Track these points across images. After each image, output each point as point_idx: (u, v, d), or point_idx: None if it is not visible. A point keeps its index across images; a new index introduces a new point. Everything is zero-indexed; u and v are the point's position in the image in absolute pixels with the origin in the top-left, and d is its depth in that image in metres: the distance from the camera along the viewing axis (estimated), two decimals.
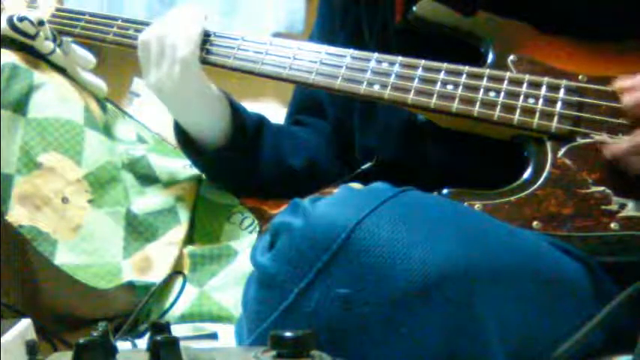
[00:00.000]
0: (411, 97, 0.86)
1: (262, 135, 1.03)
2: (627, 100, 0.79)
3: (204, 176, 1.08)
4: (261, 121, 1.04)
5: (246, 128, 1.01)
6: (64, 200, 0.94)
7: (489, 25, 0.88)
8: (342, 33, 1.02)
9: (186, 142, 1.02)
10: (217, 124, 1.00)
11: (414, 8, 0.90)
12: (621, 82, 0.80)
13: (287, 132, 1.09)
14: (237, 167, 1.02)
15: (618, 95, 0.80)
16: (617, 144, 0.78)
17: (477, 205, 0.78)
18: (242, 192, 1.06)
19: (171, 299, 0.93)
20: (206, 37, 0.98)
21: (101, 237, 0.94)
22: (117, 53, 1.05)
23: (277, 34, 1.76)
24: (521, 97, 0.83)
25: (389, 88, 0.87)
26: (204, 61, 0.97)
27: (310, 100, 1.11)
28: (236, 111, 1.01)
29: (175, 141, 1.05)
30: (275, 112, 1.20)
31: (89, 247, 0.93)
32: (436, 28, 0.90)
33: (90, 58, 1.09)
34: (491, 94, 0.84)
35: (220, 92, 1.01)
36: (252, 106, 1.06)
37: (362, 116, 1.00)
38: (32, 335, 0.64)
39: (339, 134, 1.07)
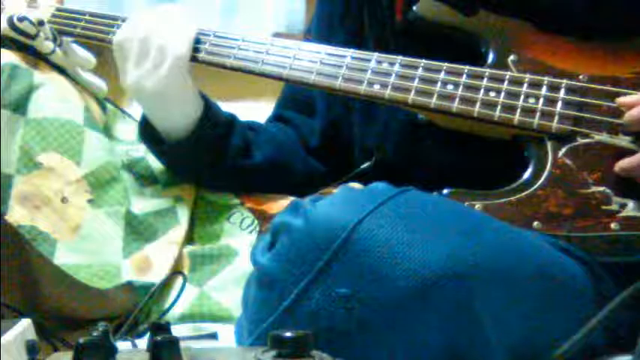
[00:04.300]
0: (411, 96, 0.86)
1: (232, 131, 1.02)
2: (629, 115, 0.79)
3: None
4: (232, 119, 1.04)
5: (217, 124, 1.01)
6: (64, 200, 0.94)
7: (490, 24, 0.88)
8: (342, 32, 1.02)
9: (149, 132, 1.02)
10: (191, 119, 0.99)
11: (415, 7, 0.90)
12: (623, 99, 0.80)
13: (256, 128, 1.08)
14: (200, 159, 1.02)
15: (620, 110, 0.80)
16: (629, 161, 0.77)
17: (477, 205, 0.78)
18: (202, 182, 1.07)
19: (171, 299, 0.93)
20: (205, 37, 0.98)
21: (101, 237, 0.94)
22: None
23: (277, 34, 1.76)
24: (522, 97, 0.83)
25: (389, 87, 0.87)
26: (204, 61, 0.97)
27: (299, 97, 1.10)
28: (209, 107, 1.01)
29: (139, 132, 1.05)
30: None
31: (89, 246, 0.93)
32: (436, 28, 0.90)
33: (90, 58, 1.09)
34: (492, 94, 0.84)
35: (198, 90, 1.01)
36: (252, 106, 1.06)
37: (362, 116, 1.00)
38: (32, 335, 0.64)
39: (333, 134, 1.07)
